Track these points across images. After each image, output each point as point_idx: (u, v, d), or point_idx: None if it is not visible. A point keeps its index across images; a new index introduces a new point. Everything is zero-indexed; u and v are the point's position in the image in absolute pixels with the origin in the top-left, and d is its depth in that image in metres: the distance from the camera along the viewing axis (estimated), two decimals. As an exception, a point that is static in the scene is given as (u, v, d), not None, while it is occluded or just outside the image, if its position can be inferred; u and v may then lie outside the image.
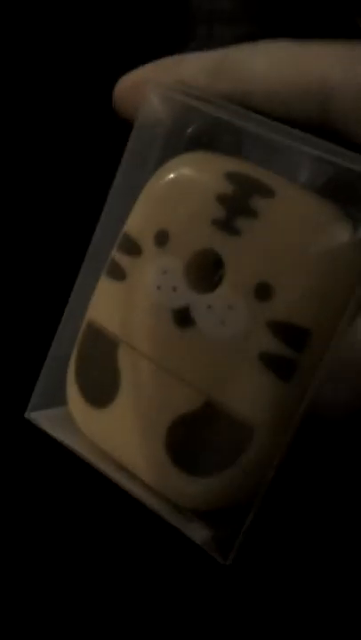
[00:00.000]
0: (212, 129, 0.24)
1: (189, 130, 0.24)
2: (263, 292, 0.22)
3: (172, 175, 0.24)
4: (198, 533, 0.23)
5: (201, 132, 0.24)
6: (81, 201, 0.32)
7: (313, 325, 0.21)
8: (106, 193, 0.25)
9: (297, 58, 0.23)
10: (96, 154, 0.34)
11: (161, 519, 0.24)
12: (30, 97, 0.37)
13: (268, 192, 0.22)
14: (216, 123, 0.23)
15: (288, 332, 0.22)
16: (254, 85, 0.24)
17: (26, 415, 0.26)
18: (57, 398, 0.26)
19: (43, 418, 0.26)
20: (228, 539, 0.23)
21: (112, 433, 0.24)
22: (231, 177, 0.23)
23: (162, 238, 0.23)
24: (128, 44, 0.36)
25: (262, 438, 0.22)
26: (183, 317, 0.23)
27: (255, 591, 0.28)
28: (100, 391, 0.24)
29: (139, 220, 0.24)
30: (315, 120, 0.23)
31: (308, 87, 0.23)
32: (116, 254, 0.24)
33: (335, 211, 0.22)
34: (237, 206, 0.22)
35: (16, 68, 0.37)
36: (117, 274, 0.24)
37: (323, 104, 0.23)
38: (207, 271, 0.23)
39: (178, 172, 0.24)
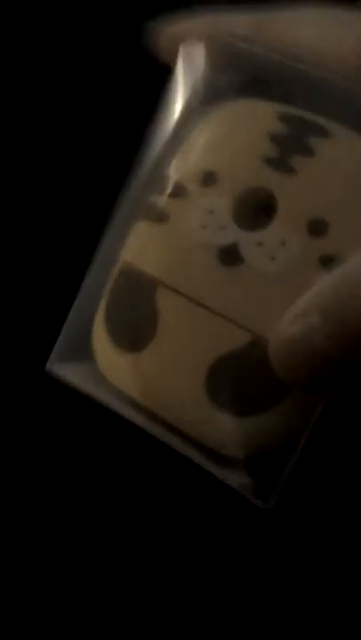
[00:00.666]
0: (260, 78, 0.24)
1: (237, 79, 0.24)
2: (317, 227, 0.22)
3: (223, 118, 0.24)
4: (237, 479, 0.22)
5: (249, 81, 0.24)
6: (107, 161, 0.31)
7: None
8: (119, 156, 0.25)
9: (340, 22, 0.24)
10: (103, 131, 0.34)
11: (197, 466, 0.23)
12: (31, 84, 0.37)
13: (323, 132, 0.22)
14: (265, 72, 0.24)
15: None
16: (297, 45, 0.24)
17: (48, 367, 0.25)
18: (79, 352, 0.25)
19: (66, 370, 0.25)
20: (269, 483, 0.22)
21: (147, 378, 0.23)
22: (285, 118, 0.23)
23: (209, 179, 0.23)
24: (126, 29, 0.36)
25: None
26: (231, 255, 0.22)
27: (294, 537, 0.27)
28: (135, 335, 0.24)
29: (185, 163, 0.24)
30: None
31: (350, 51, 0.24)
32: (157, 198, 0.24)
33: None
34: (293, 145, 0.22)
35: (17, 57, 0.37)
36: (159, 216, 0.24)
37: None
38: (257, 209, 0.23)
39: (229, 114, 0.24)
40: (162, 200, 0.24)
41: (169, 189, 0.24)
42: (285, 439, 0.22)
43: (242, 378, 0.22)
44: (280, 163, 0.22)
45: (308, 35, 0.24)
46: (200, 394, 0.22)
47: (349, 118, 0.23)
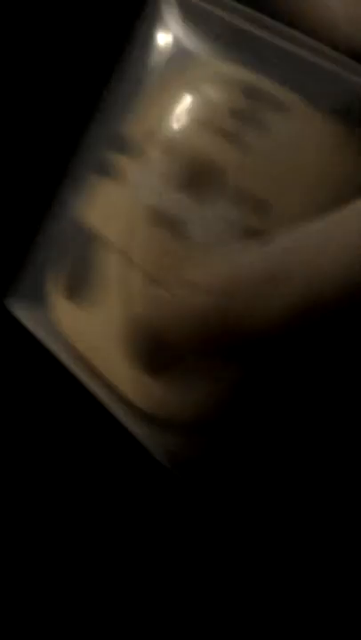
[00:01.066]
0: (230, 42, 0.23)
1: (207, 40, 0.23)
2: (260, 207, 0.21)
3: (187, 82, 0.23)
4: (157, 440, 0.23)
5: (219, 43, 0.23)
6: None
7: None
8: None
9: None
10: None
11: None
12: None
13: (281, 107, 0.22)
14: (235, 37, 0.23)
15: None
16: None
17: (6, 303, 0.26)
18: (35, 297, 0.26)
19: (21, 310, 0.26)
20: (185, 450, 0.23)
21: (93, 334, 0.24)
22: (248, 91, 0.22)
23: (167, 145, 0.23)
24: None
25: None
26: (178, 226, 0.22)
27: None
28: (83, 291, 0.24)
29: (144, 123, 0.23)
30: None
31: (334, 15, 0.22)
32: (112, 155, 0.24)
33: (344, 131, 0.22)
34: (251, 121, 0.22)
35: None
36: (115, 175, 0.24)
37: None
38: (207, 181, 0.22)
39: (195, 80, 0.23)
40: (119, 159, 0.24)
41: (127, 148, 0.24)
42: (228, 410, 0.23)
43: (159, 340, 0.23)
44: (237, 138, 0.22)
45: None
46: (128, 354, 0.23)
47: (314, 91, 0.22)
